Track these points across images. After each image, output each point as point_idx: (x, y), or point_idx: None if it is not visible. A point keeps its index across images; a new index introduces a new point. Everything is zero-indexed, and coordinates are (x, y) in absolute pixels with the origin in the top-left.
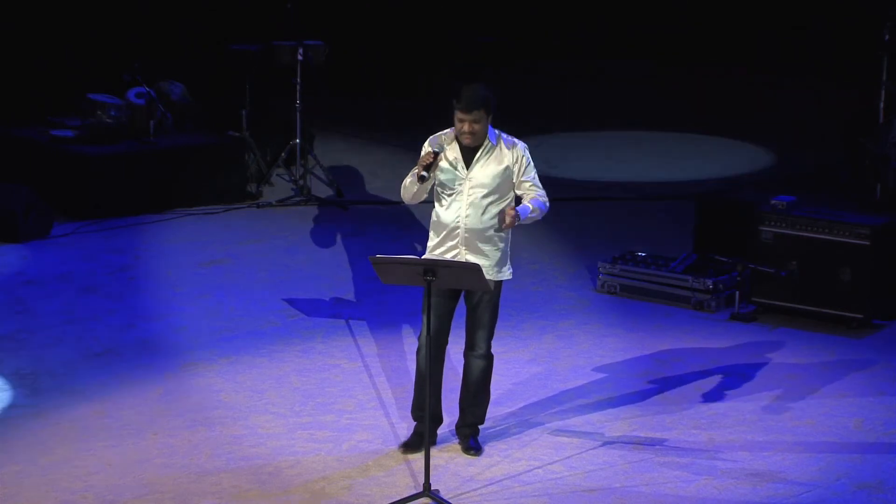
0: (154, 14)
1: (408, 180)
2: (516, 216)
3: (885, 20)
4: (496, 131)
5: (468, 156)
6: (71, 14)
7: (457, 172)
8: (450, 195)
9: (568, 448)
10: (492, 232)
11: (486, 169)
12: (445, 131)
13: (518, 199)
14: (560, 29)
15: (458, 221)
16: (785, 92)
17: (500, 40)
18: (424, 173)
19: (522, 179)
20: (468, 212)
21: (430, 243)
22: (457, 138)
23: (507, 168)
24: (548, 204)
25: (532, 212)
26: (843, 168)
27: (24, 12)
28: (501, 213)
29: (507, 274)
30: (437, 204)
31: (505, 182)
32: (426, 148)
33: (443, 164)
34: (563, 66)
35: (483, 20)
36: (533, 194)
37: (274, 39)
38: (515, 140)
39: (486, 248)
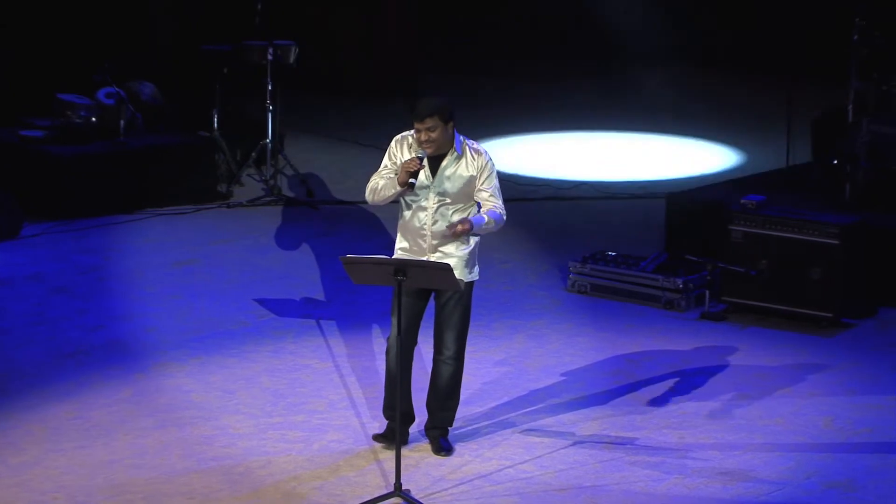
0: (125, 14)
1: (380, 183)
2: (468, 227)
3: (855, 20)
4: (462, 139)
5: (434, 164)
6: (40, 14)
7: (422, 181)
8: (415, 202)
9: (539, 447)
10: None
11: (452, 178)
12: (412, 132)
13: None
14: (534, 29)
15: (424, 228)
16: (754, 91)
17: (473, 39)
18: (413, 180)
19: (482, 188)
20: (434, 218)
21: (397, 245)
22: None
23: (471, 177)
24: (504, 217)
25: (487, 223)
26: (813, 168)
27: None
28: (452, 224)
29: (475, 274)
30: (403, 209)
31: (470, 190)
32: (394, 148)
33: None
34: (535, 66)
35: (457, 20)
36: (490, 205)
37: (245, 39)
38: (480, 148)
39: (453, 249)
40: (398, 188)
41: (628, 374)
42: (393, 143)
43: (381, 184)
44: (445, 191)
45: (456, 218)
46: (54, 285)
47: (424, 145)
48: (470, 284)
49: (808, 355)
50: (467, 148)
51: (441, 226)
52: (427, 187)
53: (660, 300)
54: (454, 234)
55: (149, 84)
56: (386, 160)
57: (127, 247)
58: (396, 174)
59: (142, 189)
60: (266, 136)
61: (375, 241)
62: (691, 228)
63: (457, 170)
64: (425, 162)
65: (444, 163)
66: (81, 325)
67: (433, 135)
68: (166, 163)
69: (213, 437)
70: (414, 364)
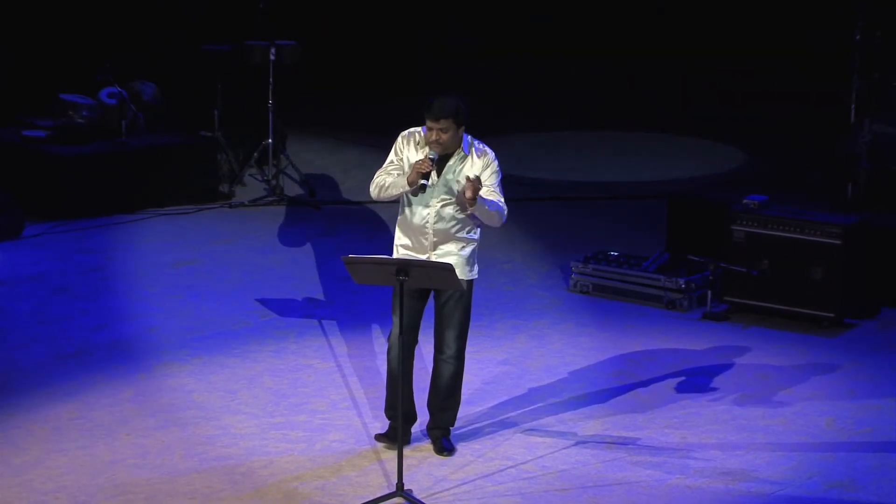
0: (126, 14)
1: (388, 180)
2: (476, 192)
3: (857, 20)
4: (469, 139)
5: (440, 163)
6: (41, 14)
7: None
8: (419, 200)
9: (541, 447)
10: (461, 233)
11: (457, 178)
12: (419, 129)
13: None
14: (532, 28)
15: (426, 226)
16: (757, 91)
17: (474, 39)
18: (424, 181)
19: (485, 184)
20: (436, 217)
21: (397, 241)
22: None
23: (476, 177)
24: (505, 212)
25: (491, 206)
26: (815, 168)
27: None
28: (459, 195)
29: (475, 273)
30: (405, 206)
31: None
32: (401, 144)
33: None
34: (535, 64)
35: (456, 19)
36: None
37: (246, 39)
38: (486, 148)
39: (454, 247)
40: (407, 187)
41: (630, 373)
42: (400, 139)
43: (388, 181)
44: (450, 190)
45: (460, 216)
46: (56, 285)
47: (433, 145)
48: (470, 283)
49: (809, 355)
50: (474, 148)
51: (443, 222)
52: (431, 186)
53: (662, 300)
54: (465, 196)
55: (150, 84)
56: (392, 156)
57: (128, 247)
58: (405, 172)
59: (143, 189)
60: (268, 136)
61: (377, 241)
62: (693, 228)
63: (462, 170)
64: (434, 164)
65: (451, 162)
66: (83, 325)
67: (444, 136)
68: (168, 163)
69: (215, 437)
70: (415, 363)
